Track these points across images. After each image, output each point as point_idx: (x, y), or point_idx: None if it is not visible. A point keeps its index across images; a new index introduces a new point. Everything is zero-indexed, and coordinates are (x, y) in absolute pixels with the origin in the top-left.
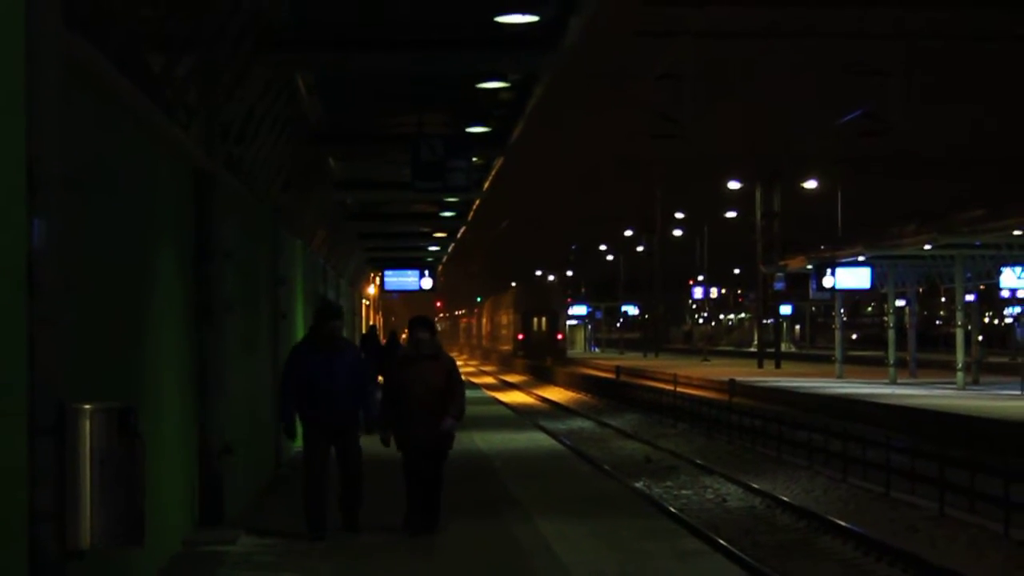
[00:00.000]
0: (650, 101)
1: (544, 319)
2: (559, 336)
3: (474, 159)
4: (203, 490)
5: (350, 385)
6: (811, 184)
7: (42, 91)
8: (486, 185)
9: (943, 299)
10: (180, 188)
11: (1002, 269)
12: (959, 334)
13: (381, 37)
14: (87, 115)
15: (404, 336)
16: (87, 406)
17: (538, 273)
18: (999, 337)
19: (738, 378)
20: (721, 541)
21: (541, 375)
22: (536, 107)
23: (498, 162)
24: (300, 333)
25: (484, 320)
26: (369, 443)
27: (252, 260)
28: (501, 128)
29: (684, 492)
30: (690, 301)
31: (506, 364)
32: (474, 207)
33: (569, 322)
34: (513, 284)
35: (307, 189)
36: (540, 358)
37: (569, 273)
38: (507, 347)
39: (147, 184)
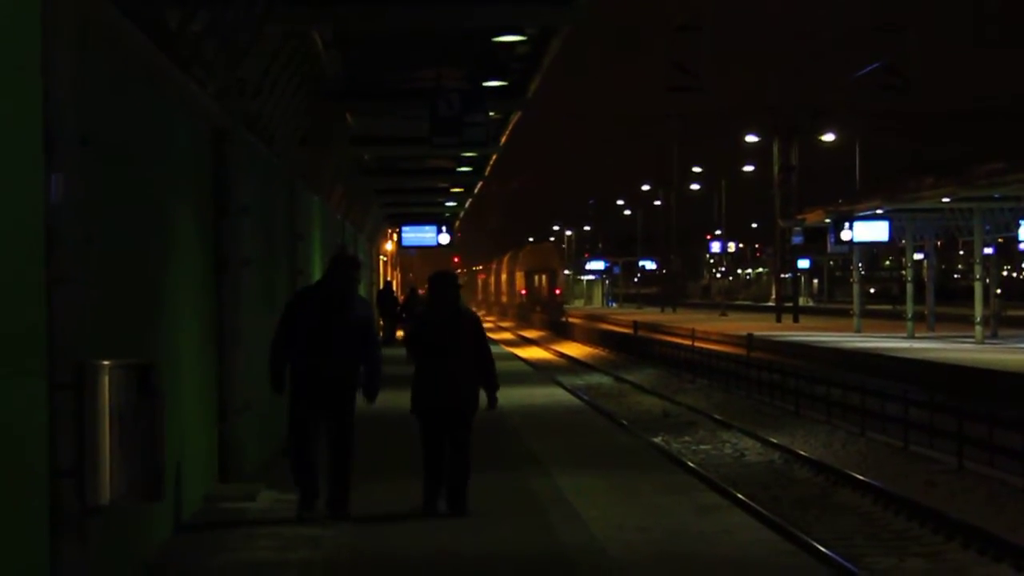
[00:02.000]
0: (668, 54)
1: (544, 277)
2: (557, 292)
3: (491, 113)
4: (223, 446)
5: (353, 349)
6: (829, 137)
7: (58, 47)
8: (503, 140)
9: (961, 252)
10: (198, 144)
11: (1021, 222)
12: (977, 287)
13: None
14: (103, 71)
15: (422, 292)
16: (106, 363)
17: (556, 228)
18: (1018, 290)
19: (756, 332)
20: (740, 496)
21: (559, 331)
22: (554, 61)
23: (515, 116)
24: None
25: (503, 277)
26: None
27: (270, 216)
28: (518, 82)
29: (702, 447)
30: (708, 255)
31: (524, 320)
32: (491, 162)
33: (587, 277)
34: (531, 240)
35: (324, 145)
36: (542, 310)
37: (587, 228)
38: (517, 301)
39: (165, 140)
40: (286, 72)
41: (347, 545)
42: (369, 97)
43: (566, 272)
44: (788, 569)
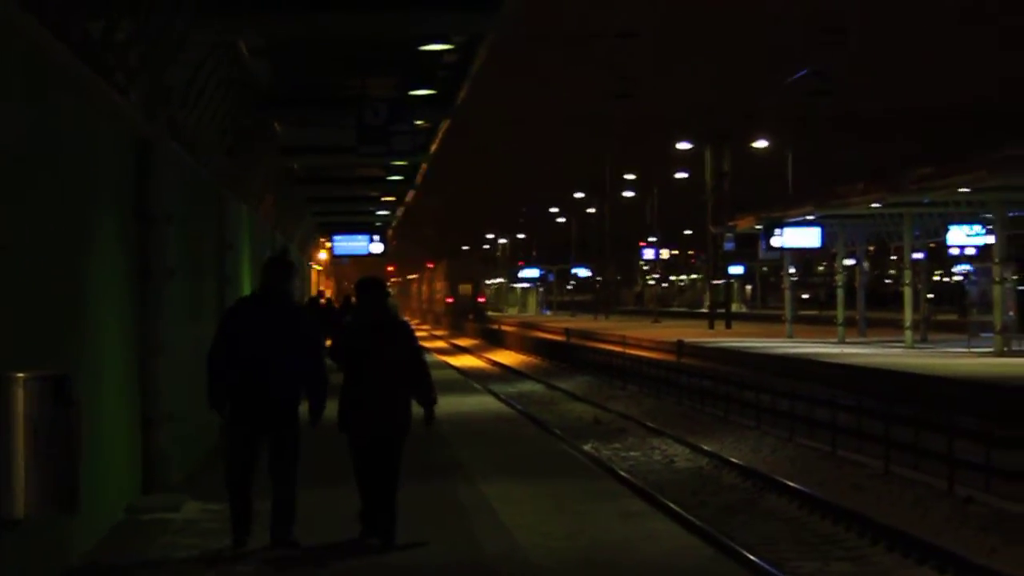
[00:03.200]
0: (604, 61)
1: (468, 286)
2: (480, 299)
3: (419, 122)
4: (146, 457)
5: (296, 361)
6: (761, 144)
7: None
8: (433, 148)
9: (894, 257)
10: (120, 153)
11: (949, 227)
12: (907, 292)
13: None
14: (18, 80)
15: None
16: (20, 374)
17: (490, 236)
18: (949, 295)
19: (688, 339)
20: (668, 502)
21: (492, 339)
22: (482, 69)
23: (444, 125)
24: None
25: (436, 286)
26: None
27: (196, 226)
28: (447, 90)
29: (632, 454)
30: (641, 262)
31: (458, 328)
32: (421, 171)
33: (520, 285)
34: (465, 248)
35: (253, 154)
36: (464, 317)
37: (521, 236)
38: (443, 309)
39: (84, 149)
40: (212, 81)
41: (269, 556)
42: (296, 106)
43: (500, 280)
44: (709, 573)
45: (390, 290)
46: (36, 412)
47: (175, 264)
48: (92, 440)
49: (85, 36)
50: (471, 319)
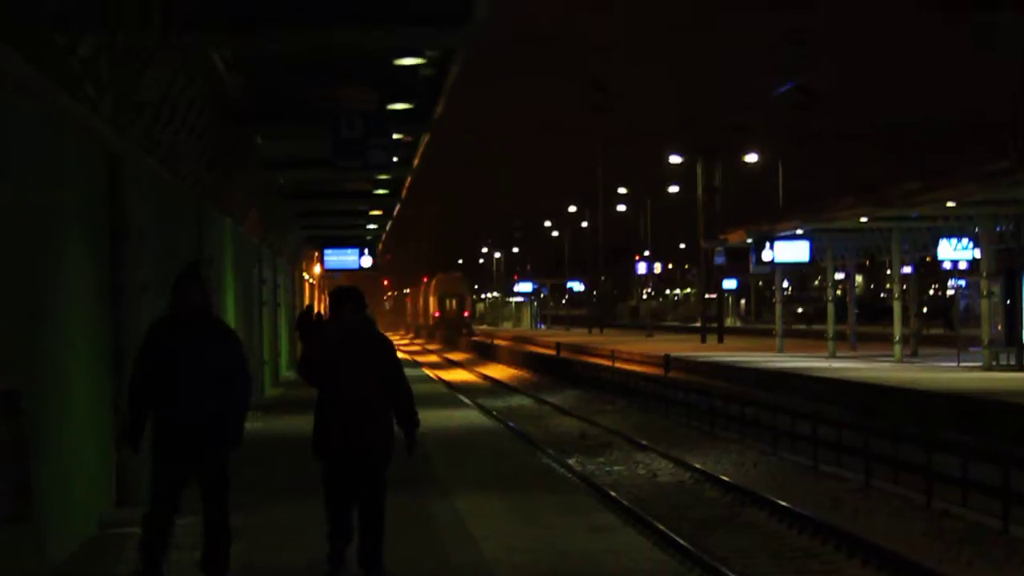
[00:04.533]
0: (587, 72)
1: (454, 301)
2: (465, 313)
3: (398, 136)
4: (120, 472)
5: (219, 386)
6: (752, 158)
7: None
8: (416, 162)
9: (889, 272)
10: (89, 168)
11: (939, 241)
12: (896, 307)
13: (291, 14)
14: None
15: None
16: None
17: (484, 250)
18: (943, 309)
19: (679, 353)
20: (644, 516)
21: (485, 353)
22: (460, 82)
23: (425, 138)
24: (230, 312)
25: (431, 300)
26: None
27: (172, 240)
28: (424, 105)
29: (616, 468)
30: (636, 276)
31: (451, 342)
32: (407, 184)
33: (515, 299)
34: (460, 262)
35: (234, 168)
36: (453, 330)
37: (515, 250)
38: (431, 323)
39: (49, 165)
40: (187, 94)
41: (239, 565)
42: (277, 119)
43: (495, 294)
44: None
45: (385, 304)
46: None
47: (149, 279)
48: (60, 453)
49: (49, 46)
50: (464, 333)
